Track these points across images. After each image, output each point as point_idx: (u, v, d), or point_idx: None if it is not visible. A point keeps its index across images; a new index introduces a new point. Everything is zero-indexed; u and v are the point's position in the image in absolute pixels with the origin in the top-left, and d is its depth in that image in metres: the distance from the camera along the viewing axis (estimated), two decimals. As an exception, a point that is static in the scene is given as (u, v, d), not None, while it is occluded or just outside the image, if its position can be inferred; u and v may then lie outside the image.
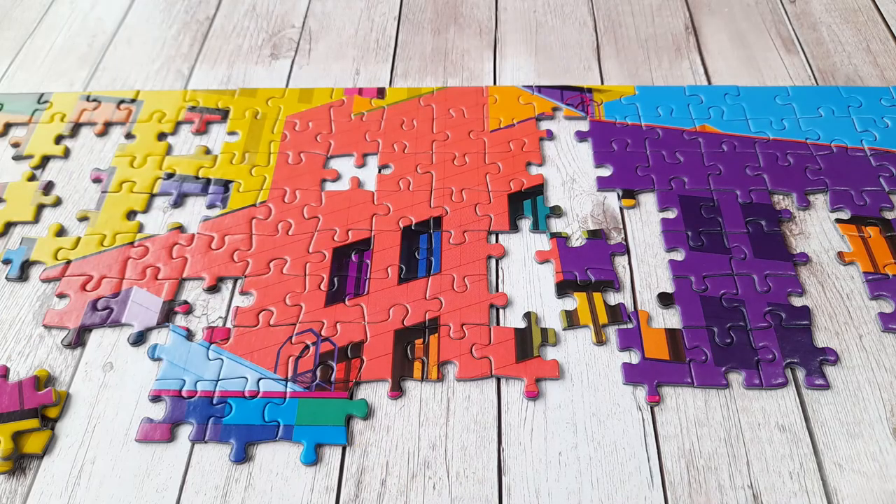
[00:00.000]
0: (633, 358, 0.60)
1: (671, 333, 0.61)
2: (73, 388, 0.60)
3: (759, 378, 0.58)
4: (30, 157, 0.79)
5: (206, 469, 0.55)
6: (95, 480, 0.54)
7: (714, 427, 0.56)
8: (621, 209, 0.72)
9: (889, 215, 0.70)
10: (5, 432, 0.56)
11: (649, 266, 0.67)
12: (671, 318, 0.63)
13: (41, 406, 0.58)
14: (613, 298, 0.64)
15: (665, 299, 0.64)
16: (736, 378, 0.59)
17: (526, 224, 0.71)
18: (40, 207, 0.74)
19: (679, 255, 0.67)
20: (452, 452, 0.55)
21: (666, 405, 0.57)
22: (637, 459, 0.54)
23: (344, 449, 0.56)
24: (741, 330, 0.61)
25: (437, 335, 0.61)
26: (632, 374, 0.59)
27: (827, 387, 0.58)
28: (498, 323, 0.63)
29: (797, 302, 0.63)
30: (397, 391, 0.58)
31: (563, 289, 0.65)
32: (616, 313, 0.63)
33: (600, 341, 0.61)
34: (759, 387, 0.58)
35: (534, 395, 0.58)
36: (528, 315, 0.63)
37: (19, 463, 0.55)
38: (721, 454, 0.54)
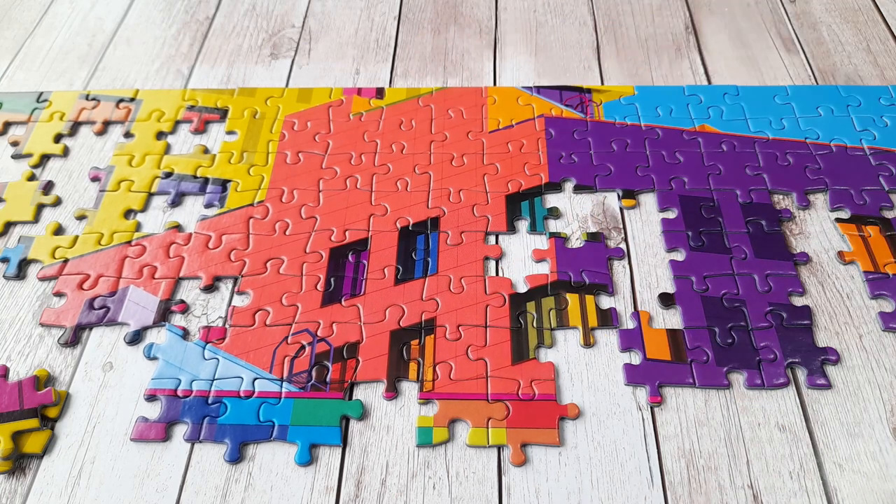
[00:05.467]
0: (635, 359, 0.60)
1: (672, 334, 0.61)
2: (72, 387, 0.59)
3: (761, 378, 0.58)
4: (29, 155, 0.79)
5: (206, 469, 0.55)
6: (95, 480, 0.54)
7: (714, 427, 0.56)
8: (621, 209, 0.72)
9: (889, 214, 0.70)
10: (5, 432, 0.56)
11: (650, 266, 0.67)
12: (672, 319, 0.63)
13: (41, 406, 0.58)
14: (606, 302, 0.64)
15: (666, 300, 0.63)
16: (737, 378, 0.58)
17: (523, 225, 0.70)
18: (40, 207, 0.73)
19: (679, 256, 0.67)
20: (452, 452, 0.55)
21: (666, 405, 0.57)
22: (637, 459, 0.54)
23: (344, 449, 0.55)
24: (742, 330, 0.61)
25: (433, 336, 0.61)
26: (633, 375, 0.59)
27: (829, 386, 0.57)
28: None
29: (798, 302, 0.63)
30: (392, 392, 0.58)
31: (555, 289, 0.65)
32: (607, 317, 0.62)
33: (588, 344, 0.61)
34: (760, 387, 0.57)
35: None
36: (524, 316, 0.63)
37: (19, 463, 0.55)
38: (721, 454, 0.54)
